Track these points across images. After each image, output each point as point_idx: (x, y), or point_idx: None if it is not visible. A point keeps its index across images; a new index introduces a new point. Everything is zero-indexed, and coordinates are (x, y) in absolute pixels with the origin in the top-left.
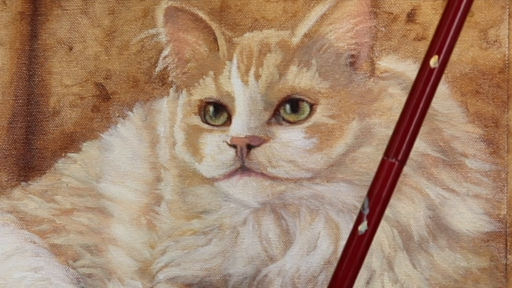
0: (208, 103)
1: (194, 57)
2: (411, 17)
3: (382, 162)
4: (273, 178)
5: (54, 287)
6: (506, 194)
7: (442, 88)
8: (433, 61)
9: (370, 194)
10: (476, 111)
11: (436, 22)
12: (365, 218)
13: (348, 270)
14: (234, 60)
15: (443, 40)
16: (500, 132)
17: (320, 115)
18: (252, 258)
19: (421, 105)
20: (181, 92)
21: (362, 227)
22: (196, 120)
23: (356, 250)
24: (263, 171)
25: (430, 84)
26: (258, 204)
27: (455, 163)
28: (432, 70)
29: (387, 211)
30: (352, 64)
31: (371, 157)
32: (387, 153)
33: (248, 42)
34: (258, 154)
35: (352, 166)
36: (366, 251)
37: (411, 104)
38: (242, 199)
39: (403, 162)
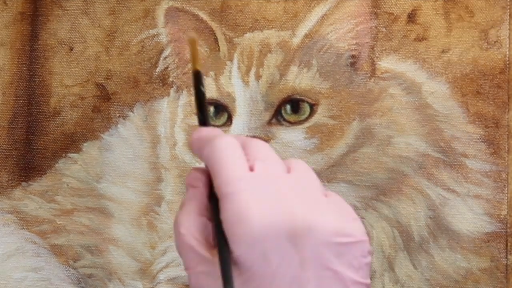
0: (209, 104)
1: None
2: (411, 17)
3: None
4: None
5: (54, 287)
6: (506, 195)
7: (443, 89)
8: None
9: None
10: (477, 112)
11: (437, 23)
12: None
13: None
14: (235, 61)
15: None
16: (501, 133)
17: (320, 116)
18: None
19: None
20: (182, 92)
21: None
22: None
23: None
24: None
25: None
26: None
27: (455, 163)
28: None
29: (388, 212)
30: (352, 64)
31: (371, 157)
32: None
33: (248, 42)
34: None
35: (352, 166)
36: None
37: None
38: None
39: None
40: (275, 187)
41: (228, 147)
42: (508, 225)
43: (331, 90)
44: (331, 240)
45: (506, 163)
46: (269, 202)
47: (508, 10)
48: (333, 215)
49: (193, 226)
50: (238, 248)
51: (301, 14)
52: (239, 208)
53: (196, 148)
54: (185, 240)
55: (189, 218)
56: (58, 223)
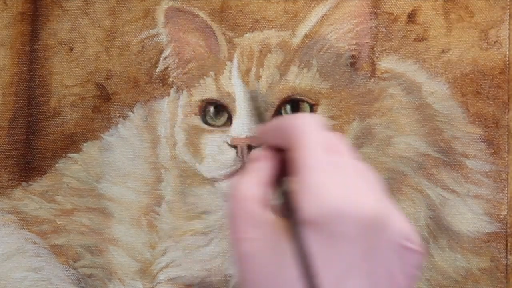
0: (209, 104)
1: (195, 58)
2: (411, 17)
3: None
4: None
5: (54, 287)
6: (506, 195)
7: (443, 89)
8: None
9: None
10: (477, 112)
11: (437, 23)
12: None
13: None
14: (235, 61)
15: None
16: (501, 133)
17: (320, 116)
18: None
19: None
20: (182, 92)
21: None
22: (197, 121)
23: None
24: None
25: None
26: None
27: (455, 163)
28: None
29: None
30: (352, 64)
31: (371, 157)
32: None
33: (248, 42)
34: None
35: None
36: None
37: None
38: None
39: None
40: (352, 177)
41: (314, 123)
42: (508, 225)
43: (331, 90)
44: (400, 241)
45: (506, 163)
46: (348, 189)
47: (508, 10)
48: (403, 218)
49: (253, 192)
50: (309, 213)
51: (301, 14)
52: (319, 183)
53: (275, 125)
54: (243, 204)
55: (250, 185)
56: (58, 223)
